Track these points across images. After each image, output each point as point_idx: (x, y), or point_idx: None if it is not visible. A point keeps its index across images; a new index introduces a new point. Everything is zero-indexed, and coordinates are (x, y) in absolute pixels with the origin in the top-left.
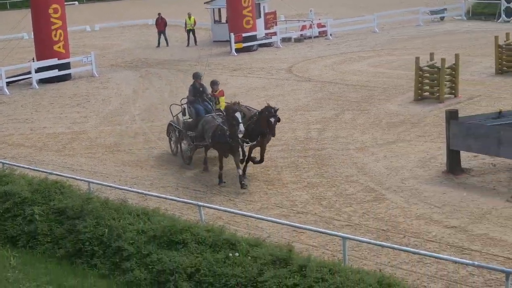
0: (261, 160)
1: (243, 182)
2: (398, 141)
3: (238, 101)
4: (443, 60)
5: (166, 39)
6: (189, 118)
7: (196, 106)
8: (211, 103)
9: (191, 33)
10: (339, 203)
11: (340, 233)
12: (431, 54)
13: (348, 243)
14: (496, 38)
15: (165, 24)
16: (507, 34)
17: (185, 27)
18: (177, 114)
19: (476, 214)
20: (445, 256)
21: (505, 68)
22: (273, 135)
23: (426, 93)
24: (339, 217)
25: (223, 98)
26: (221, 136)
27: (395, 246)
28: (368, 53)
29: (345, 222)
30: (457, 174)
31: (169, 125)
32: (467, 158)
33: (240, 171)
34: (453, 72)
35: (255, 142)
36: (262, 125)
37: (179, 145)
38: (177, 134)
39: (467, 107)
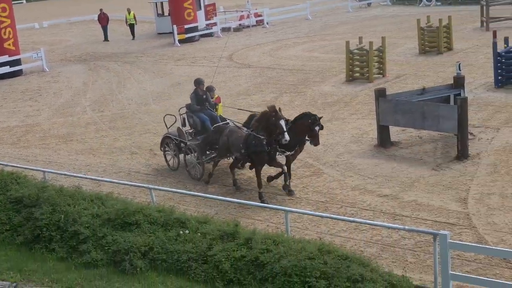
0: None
1: (263, 198)
2: (332, 120)
3: (279, 108)
4: (371, 43)
5: (106, 35)
6: (190, 129)
7: (199, 115)
8: (214, 111)
9: (132, 27)
10: (281, 179)
11: (282, 207)
12: (360, 38)
13: (290, 216)
14: (418, 21)
15: (107, 19)
16: (428, 17)
17: (126, 22)
18: (172, 125)
19: (406, 183)
20: (379, 223)
21: (427, 48)
22: (317, 144)
23: (357, 74)
24: (281, 192)
25: (221, 105)
26: (257, 145)
27: (333, 216)
28: (302, 39)
29: (287, 196)
30: (387, 147)
31: (166, 137)
32: (395, 132)
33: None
34: (381, 54)
35: (293, 151)
36: (300, 132)
37: (178, 159)
38: (175, 147)
39: (394, 85)
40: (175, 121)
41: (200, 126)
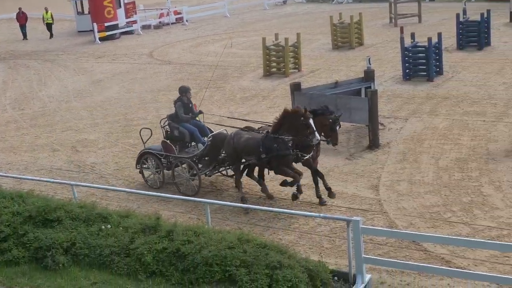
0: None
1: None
2: (251, 113)
3: (305, 107)
4: (286, 39)
5: (25, 33)
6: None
7: (186, 126)
8: (199, 120)
9: (50, 26)
10: None
11: (203, 199)
12: (276, 34)
13: (211, 207)
14: (331, 18)
15: (26, 18)
16: (340, 14)
17: (43, 21)
18: (148, 139)
19: (321, 172)
20: (295, 211)
21: (340, 43)
22: (336, 144)
23: (274, 69)
24: (202, 185)
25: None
26: (281, 148)
27: (252, 206)
28: (221, 35)
29: (208, 188)
30: None
31: (145, 153)
32: None
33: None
34: (296, 49)
35: (311, 154)
36: (320, 131)
37: (163, 175)
38: (158, 163)
39: (309, 79)
40: (151, 135)
41: (188, 138)
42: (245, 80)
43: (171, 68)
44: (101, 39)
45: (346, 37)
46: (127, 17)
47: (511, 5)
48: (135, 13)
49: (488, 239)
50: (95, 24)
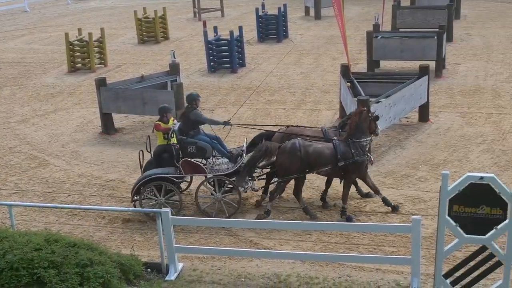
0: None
1: (396, 205)
2: (56, 110)
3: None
4: (90, 34)
5: None
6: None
7: (205, 139)
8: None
9: None
10: (5, 173)
11: (5, 202)
12: (79, 30)
13: (16, 209)
14: (135, 12)
15: None
16: (145, 9)
17: None
18: (143, 161)
19: (131, 166)
20: (104, 207)
21: (145, 38)
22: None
23: (79, 65)
24: (6, 187)
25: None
26: (359, 153)
27: (59, 205)
28: (21, 31)
29: (12, 190)
30: (111, 134)
31: (150, 180)
32: (119, 119)
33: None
34: (101, 44)
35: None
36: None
37: (180, 200)
38: (173, 189)
39: (116, 74)
40: (143, 157)
41: (210, 152)
42: (49, 76)
43: None
44: None
45: (151, 31)
46: None
47: (305, 0)
48: None
49: (291, 220)
50: None
